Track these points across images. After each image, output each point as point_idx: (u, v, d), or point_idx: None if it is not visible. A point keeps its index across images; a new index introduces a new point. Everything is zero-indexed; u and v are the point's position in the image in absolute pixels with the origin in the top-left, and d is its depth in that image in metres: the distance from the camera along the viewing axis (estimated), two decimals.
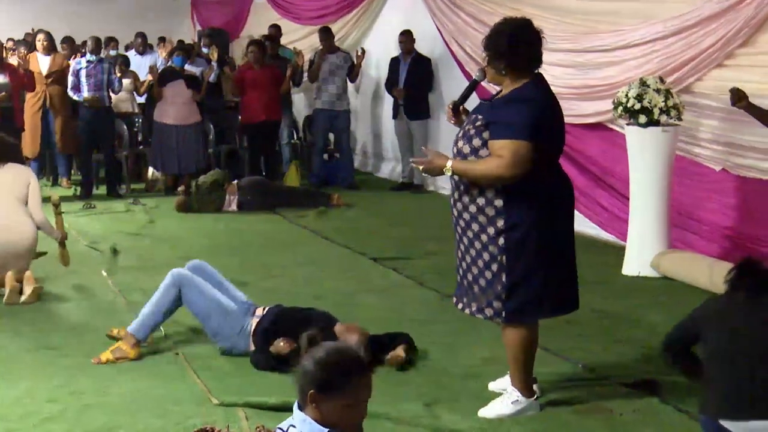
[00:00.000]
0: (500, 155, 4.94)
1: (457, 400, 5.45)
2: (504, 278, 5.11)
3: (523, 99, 5.04)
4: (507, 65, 5.09)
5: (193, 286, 6.22)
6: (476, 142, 5.06)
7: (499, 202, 5.04)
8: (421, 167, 5.32)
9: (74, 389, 5.58)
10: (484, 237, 5.11)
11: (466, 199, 5.14)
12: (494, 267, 5.12)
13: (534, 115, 4.97)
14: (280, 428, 3.32)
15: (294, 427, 3.25)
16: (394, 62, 12.98)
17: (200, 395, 5.47)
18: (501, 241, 5.06)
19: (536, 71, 5.15)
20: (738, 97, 6.73)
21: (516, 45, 5.05)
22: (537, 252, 5.07)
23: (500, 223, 5.05)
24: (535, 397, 5.30)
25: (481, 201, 5.08)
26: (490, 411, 5.24)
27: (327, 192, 12.36)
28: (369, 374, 3.26)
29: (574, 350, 6.31)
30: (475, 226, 5.13)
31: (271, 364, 5.88)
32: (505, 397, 5.28)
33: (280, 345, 5.91)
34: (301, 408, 3.27)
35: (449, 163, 5.09)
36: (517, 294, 5.12)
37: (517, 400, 5.24)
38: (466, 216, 5.16)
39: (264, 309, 6.28)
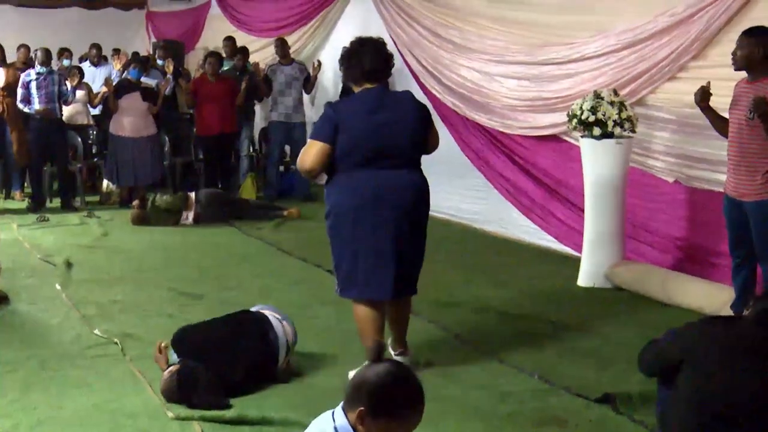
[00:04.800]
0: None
1: None
2: (332, 257, 6.05)
3: (333, 105, 5.97)
4: (347, 77, 6.01)
5: None
6: None
7: (325, 191, 5.99)
8: None
9: (27, 404, 5.52)
10: None
11: None
12: (330, 246, 6.04)
13: (331, 119, 5.79)
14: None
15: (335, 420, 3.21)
16: None
17: (156, 409, 5.44)
18: (326, 224, 5.99)
19: (378, 82, 5.89)
20: (704, 96, 6.81)
21: (349, 59, 5.92)
22: (345, 239, 5.87)
23: (326, 208, 5.95)
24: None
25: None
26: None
27: (281, 206, 12.34)
28: (423, 405, 3.20)
29: (529, 361, 6.33)
30: None
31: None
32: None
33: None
34: (345, 412, 3.22)
35: None
36: (338, 272, 6.02)
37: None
38: None
39: None
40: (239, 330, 5.96)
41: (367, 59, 5.85)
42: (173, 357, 5.85)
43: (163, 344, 5.96)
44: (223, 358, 5.72)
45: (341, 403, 3.23)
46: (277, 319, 6.08)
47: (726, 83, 6.88)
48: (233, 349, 5.80)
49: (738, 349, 4.23)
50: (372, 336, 5.83)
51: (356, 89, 5.96)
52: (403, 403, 3.16)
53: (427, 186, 6.02)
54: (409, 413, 3.18)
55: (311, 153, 5.79)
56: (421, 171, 5.99)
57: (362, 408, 3.12)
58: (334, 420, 3.21)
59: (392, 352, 6.19)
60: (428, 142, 6.03)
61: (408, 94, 6.11)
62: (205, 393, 5.48)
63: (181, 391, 5.50)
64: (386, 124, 5.76)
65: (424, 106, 6.10)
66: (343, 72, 6.00)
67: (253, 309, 6.30)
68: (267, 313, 6.14)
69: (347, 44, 6.06)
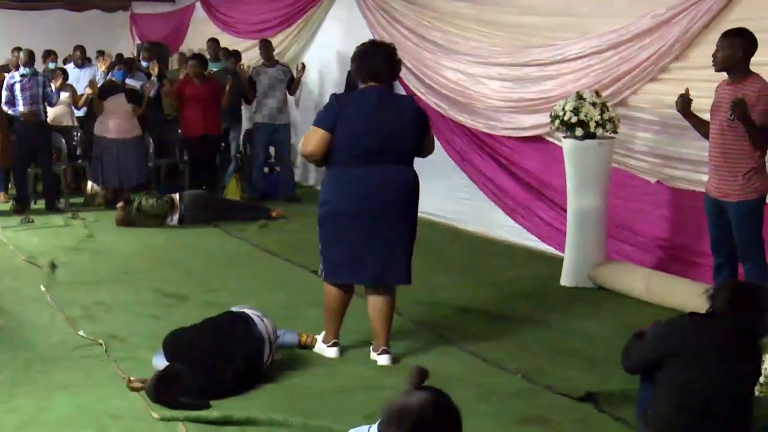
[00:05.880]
0: None
1: None
2: (319, 244, 6.40)
3: (337, 97, 6.35)
4: (356, 75, 6.40)
5: None
6: None
7: (322, 181, 6.42)
8: None
9: (12, 406, 5.52)
10: None
11: None
12: (318, 234, 6.43)
13: (334, 109, 6.19)
14: None
15: None
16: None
17: (141, 410, 5.44)
18: (318, 211, 6.37)
19: (383, 83, 6.27)
20: (684, 104, 6.86)
21: (360, 59, 6.29)
22: (333, 227, 6.26)
23: (320, 197, 6.39)
24: (332, 343, 6.49)
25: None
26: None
27: (267, 206, 12.37)
28: None
29: (513, 361, 6.36)
30: None
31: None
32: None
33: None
34: None
35: None
36: (324, 259, 6.39)
37: (319, 342, 6.56)
38: None
39: None
40: (227, 333, 5.97)
41: (376, 60, 6.24)
42: (160, 361, 5.88)
43: (135, 384, 5.87)
44: (212, 363, 5.73)
45: (377, 424, 3.24)
46: (258, 316, 6.13)
47: (707, 84, 6.93)
48: (223, 354, 5.81)
49: (719, 344, 4.31)
50: (335, 313, 6.45)
51: (362, 86, 6.33)
52: None
53: (418, 182, 6.37)
54: None
55: (313, 139, 6.18)
56: (413, 168, 6.36)
57: None
58: None
59: (374, 353, 6.40)
60: (424, 146, 6.41)
61: (409, 99, 6.80)
62: (184, 394, 5.50)
63: (159, 391, 5.53)
64: (384, 123, 6.14)
65: (424, 112, 6.52)
66: (354, 69, 6.39)
67: (233, 309, 6.34)
68: (248, 311, 6.18)
69: (360, 44, 6.45)
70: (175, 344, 5.92)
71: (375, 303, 6.39)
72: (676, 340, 4.39)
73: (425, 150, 6.45)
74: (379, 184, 6.14)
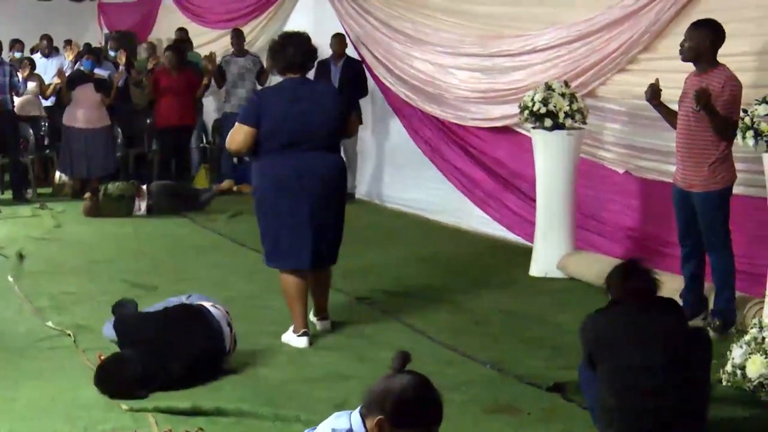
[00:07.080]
0: None
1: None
2: (259, 231, 6.63)
3: (258, 93, 6.73)
4: (273, 66, 6.71)
5: None
6: None
7: (252, 170, 6.66)
8: None
9: None
10: None
11: None
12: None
13: (255, 105, 6.49)
14: (334, 429, 3.29)
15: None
16: (322, 66, 11.87)
17: (109, 400, 5.43)
18: (253, 200, 6.62)
19: (301, 73, 6.50)
20: (654, 94, 6.87)
21: (274, 52, 6.54)
22: (268, 214, 6.48)
23: (253, 186, 6.67)
24: (302, 333, 6.51)
25: None
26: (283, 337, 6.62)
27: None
28: (441, 420, 3.25)
29: (481, 350, 6.39)
30: None
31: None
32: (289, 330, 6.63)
33: None
34: (362, 416, 3.25)
35: None
36: (264, 244, 6.64)
37: (289, 332, 6.59)
38: None
39: None
40: (180, 328, 5.88)
41: (290, 52, 6.46)
42: (109, 332, 5.98)
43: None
44: (157, 355, 5.68)
45: (359, 407, 3.26)
46: (211, 305, 6.12)
47: (675, 75, 6.96)
48: (169, 348, 5.73)
49: (620, 325, 4.60)
50: (296, 301, 6.54)
51: (281, 78, 6.62)
52: (424, 418, 3.21)
53: (344, 166, 6.77)
54: (428, 428, 3.22)
55: (238, 136, 6.43)
56: (338, 153, 6.72)
57: (381, 417, 3.15)
58: (350, 422, 3.25)
59: (314, 318, 6.80)
60: (346, 128, 6.78)
61: (328, 86, 6.96)
62: (125, 383, 5.50)
63: (100, 380, 5.54)
64: (304, 111, 6.39)
65: (344, 98, 6.92)
66: (271, 63, 6.63)
67: (184, 299, 6.31)
68: (203, 303, 6.14)
69: (275, 37, 6.74)
70: (125, 331, 5.94)
71: (312, 278, 6.69)
72: (586, 341, 4.71)
73: (348, 132, 6.95)
74: (303, 171, 6.37)
